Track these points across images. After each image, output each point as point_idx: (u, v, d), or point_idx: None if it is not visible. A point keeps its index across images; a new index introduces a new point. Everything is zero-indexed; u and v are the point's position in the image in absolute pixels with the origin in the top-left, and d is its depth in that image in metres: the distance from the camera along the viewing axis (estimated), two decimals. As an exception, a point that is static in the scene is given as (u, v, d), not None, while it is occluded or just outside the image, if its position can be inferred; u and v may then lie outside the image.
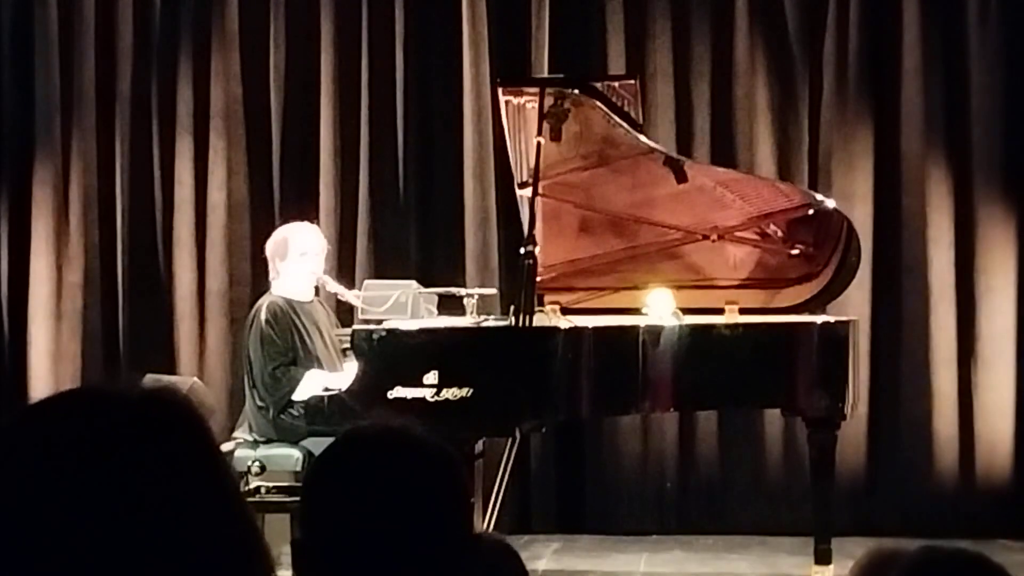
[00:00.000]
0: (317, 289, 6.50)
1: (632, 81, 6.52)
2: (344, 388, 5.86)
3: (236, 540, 1.11)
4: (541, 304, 6.33)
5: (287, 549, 1.82)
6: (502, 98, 6.35)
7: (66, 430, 1.09)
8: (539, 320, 6.03)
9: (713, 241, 6.61)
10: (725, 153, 7.76)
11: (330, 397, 5.91)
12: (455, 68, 7.89)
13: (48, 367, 8.02)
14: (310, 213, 7.38)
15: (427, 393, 5.64)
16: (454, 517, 1.81)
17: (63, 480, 1.06)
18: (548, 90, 6.20)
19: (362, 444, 1.83)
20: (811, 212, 6.57)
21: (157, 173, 8.10)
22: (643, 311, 6.22)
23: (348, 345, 6.13)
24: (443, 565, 1.77)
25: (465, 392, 5.65)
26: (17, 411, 1.14)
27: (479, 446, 6.21)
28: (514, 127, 6.32)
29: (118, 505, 1.05)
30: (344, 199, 7.98)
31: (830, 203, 6.63)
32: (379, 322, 6.11)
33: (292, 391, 6.06)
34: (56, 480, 1.06)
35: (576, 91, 6.21)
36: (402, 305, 6.40)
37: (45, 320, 8.07)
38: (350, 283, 7.02)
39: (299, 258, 6.31)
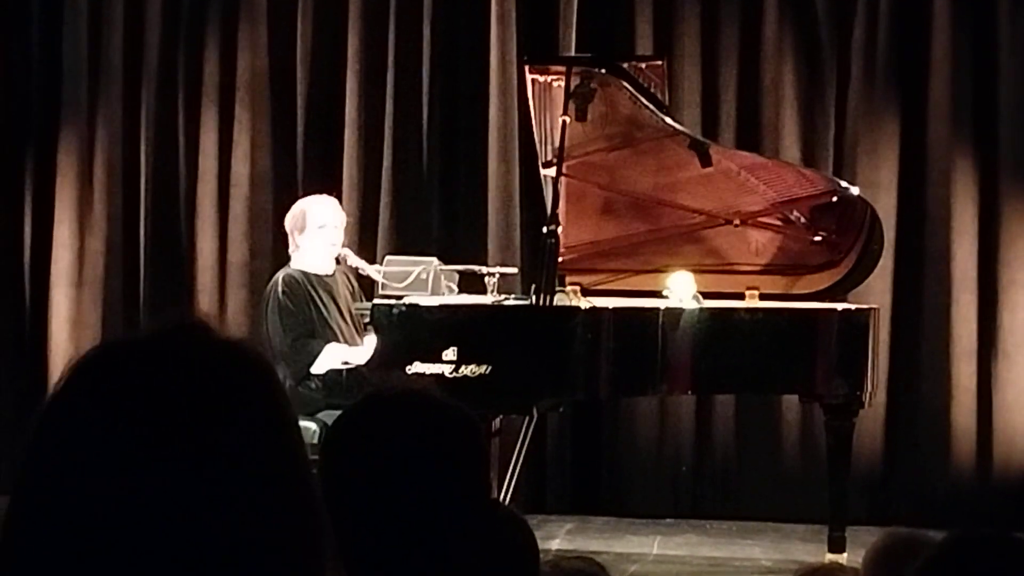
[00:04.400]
0: (338, 260, 6.50)
1: (659, 63, 6.51)
2: (363, 362, 5.88)
3: (303, 507, 1.10)
4: (562, 285, 6.33)
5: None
6: (528, 76, 6.34)
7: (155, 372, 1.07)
8: (559, 300, 6.04)
9: (736, 226, 6.60)
10: (750, 138, 7.73)
11: (349, 371, 5.93)
12: (482, 45, 7.87)
13: (68, 333, 8.04)
14: (333, 187, 7.38)
15: (446, 369, 5.65)
16: (471, 480, 1.81)
17: (139, 419, 1.04)
18: (575, 69, 6.19)
19: (382, 405, 1.84)
20: (835, 199, 6.54)
21: (182, 143, 8.11)
22: (664, 294, 6.21)
23: (369, 319, 6.14)
24: (458, 526, 1.77)
25: (484, 369, 5.66)
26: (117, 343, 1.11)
27: (496, 424, 6.22)
28: (540, 106, 6.31)
29: (192, 456, 1.04)
30: (367, 174, 7.98)
31: (854, 190, 6.60)
32: (399, 297, 6.12)
33: (312, 362, 6.08)
34: (133, 419, 1.04)
35: (603, 71, 6.20)
36: (423, 282, 6.40)
37: (67, 287, 8.09)
38: (371, 258, 7.02)
39: (317, 231, 6.33)
